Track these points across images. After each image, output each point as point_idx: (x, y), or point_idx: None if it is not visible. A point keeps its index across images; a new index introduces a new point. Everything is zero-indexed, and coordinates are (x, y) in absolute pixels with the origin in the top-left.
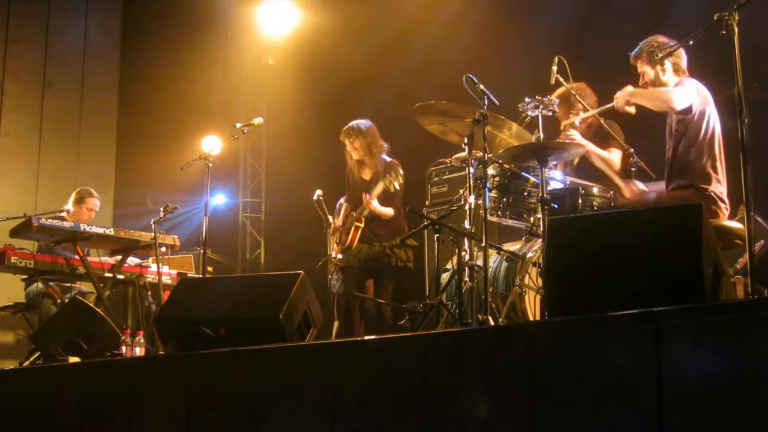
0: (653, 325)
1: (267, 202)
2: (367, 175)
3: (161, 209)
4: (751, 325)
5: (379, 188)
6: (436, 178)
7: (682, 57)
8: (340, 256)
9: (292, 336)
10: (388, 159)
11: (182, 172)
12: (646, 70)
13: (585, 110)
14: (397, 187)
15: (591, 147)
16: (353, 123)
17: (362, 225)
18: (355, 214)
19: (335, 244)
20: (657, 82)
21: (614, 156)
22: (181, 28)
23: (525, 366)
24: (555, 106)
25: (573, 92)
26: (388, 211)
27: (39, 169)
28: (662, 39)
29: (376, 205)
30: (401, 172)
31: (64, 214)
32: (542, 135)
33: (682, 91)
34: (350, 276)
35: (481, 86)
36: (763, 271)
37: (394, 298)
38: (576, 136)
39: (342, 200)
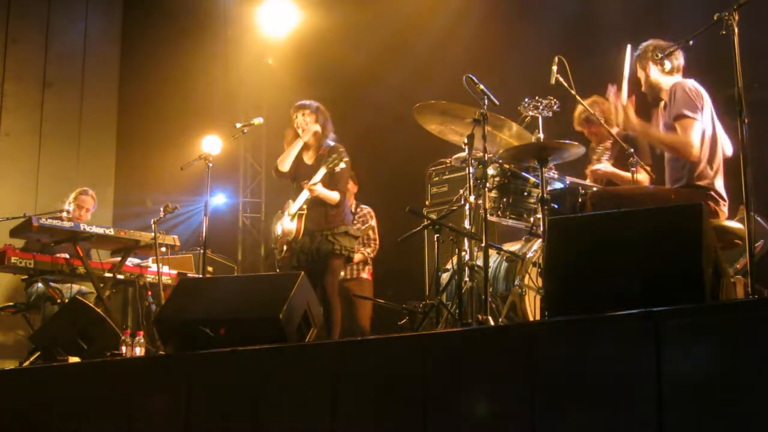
0: (653, 325)
1: (267, 202)
2: (309, 158)
3: (161, 209)
4: (751, 325)
5: (321, 173)
6: (436, 178)
7: (675, 58)
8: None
9: (292, 336)
10: (332, 143)
11: (182, 172)
12: (640, 74)
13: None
14: (342, 167)
15: (620, 174)
16: (307, 100)
17: (305, 212)
18: (296, 205)
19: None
20: (648, 85)
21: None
22: (181, 28)
23: (525, 366)
24: (556, 107)
25: (590, 111)
26: (334, 195)
27: (39, 169)
28: (658, 42)
29: (321, 190)
30: (345, 156)
31: (63, 213)
32: (542, 135)
33: (696, 137)
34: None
35: (481, 86)
36: (763, 271)
37: (394, 299)
38: (605, 167)
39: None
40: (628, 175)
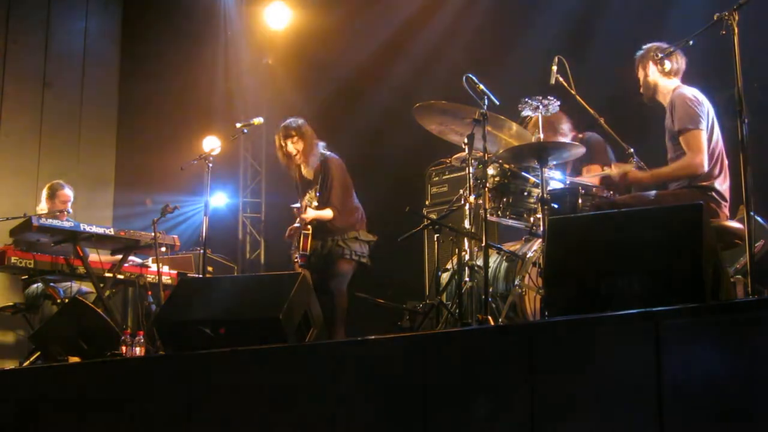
0: (653, 325)
1: (267, 202)
2: (307, 173)
3: (161, 209)
4: (751, 325)
5: (305, 201)
6: (436, 178)
7: (676, 61)
8: (298, 261)
9: (292, 336)
10: (327, 153)
11: (182, 172)
12: (639, 74)
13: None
14: (313, 206)
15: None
16: (291, 122)
17: (310, 231)
18: (299, 221)
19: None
20: (645, 84)
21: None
22: (181, 28)
23: (525, 366)
24: (556, 107)
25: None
26: (327, 213)
27: (39, 169)
28: (661, 45)
29: (311, 215)
30: (335, 168)
31: (43, 212)
32: (542, 135)
33: (703, 150)
34: (311, 275)
35: (481, 86)
36: (763, 271)
37: (394, 299)
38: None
39: (296, 206)
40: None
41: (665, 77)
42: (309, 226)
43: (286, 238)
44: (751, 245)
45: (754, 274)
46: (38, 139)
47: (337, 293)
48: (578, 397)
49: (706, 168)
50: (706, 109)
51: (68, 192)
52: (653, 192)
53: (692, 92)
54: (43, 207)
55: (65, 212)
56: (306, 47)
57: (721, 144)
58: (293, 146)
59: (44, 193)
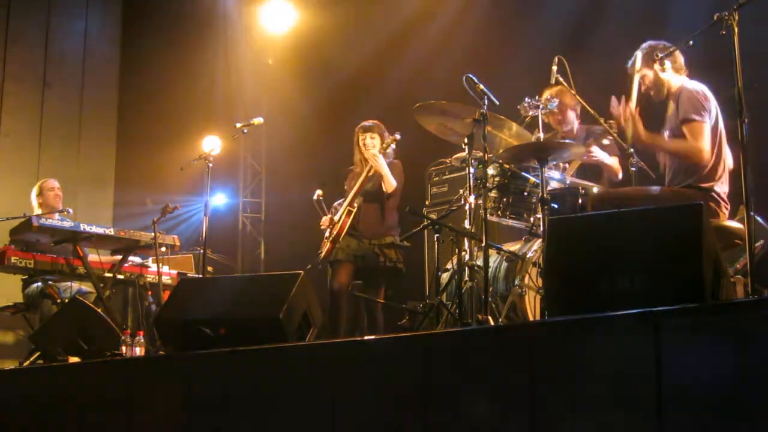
0: (653, 325)
1: (267, 202)
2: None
3: (161, 209)
4: (751, 325)
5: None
6: (436, 178)
7: (679, 56)
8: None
9: (292, 336)
10: (394, 161)
11: (182, 172)
12: (646, 74)
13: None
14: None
15: (610, 161)
16: (374, 121)
17: (355, 209)
18: (346, 202)
19: (325, 239)
20: (657, 83)
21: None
22: (181, 28)
23: (525, 366)
24: (555, 106)
25: (573, 93)
26: (393, 181)
27: (39, 169)
28: (663, 43)
29: (383, 162)
30: (398, 169)
31: (58, 214)
32: (542, 135)
33: (706, 141)
34: (339, 270)
35: (481, 86)
36: (763, 271)
37: (393, 299)
38: (597, 152)
39: (338, 202)
40: (616, 165)
41: (674, 74)
42: (356, 204)
43: (324, 228)
44: (751, 245)
45: (754, 274)
46: (38, 139)
47: (377, 308)
48: (578, 397)
49: (706, 158)
50: (712, 105)
51: (52, 182)
52: (656, 188)
53: (701, 87)
54: (35, 206)
55: (59, 200)
56: (306, 47)
57: (725, 146)
58: (371, 140)
59: (33, 192)
